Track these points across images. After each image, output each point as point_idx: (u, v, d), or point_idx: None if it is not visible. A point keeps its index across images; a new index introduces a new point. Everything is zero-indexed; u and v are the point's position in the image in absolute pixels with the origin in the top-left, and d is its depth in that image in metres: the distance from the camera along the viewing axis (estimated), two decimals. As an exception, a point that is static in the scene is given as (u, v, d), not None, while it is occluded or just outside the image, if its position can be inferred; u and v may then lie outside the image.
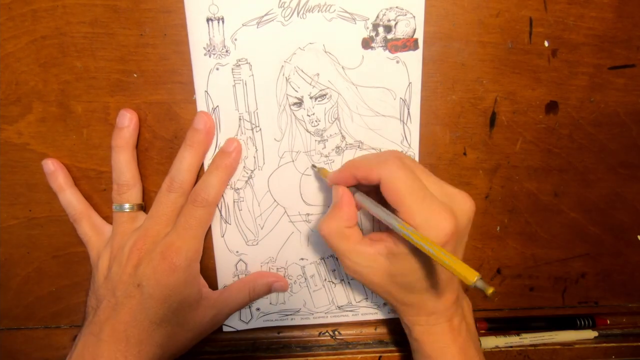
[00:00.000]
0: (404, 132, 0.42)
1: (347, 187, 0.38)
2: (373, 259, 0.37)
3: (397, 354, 0.48)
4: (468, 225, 0.37)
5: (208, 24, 0.37)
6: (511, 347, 0.48)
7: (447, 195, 0.36)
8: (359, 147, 0.42)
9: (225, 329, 0.46)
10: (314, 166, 0.42)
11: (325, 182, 0.41)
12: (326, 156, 0.42)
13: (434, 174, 0.43)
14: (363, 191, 0.38)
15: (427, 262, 0.36)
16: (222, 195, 0.42)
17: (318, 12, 0.38)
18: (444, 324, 0.39)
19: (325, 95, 0.40)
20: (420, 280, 0.37)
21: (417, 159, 0.43)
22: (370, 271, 0.37)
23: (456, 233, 0.34)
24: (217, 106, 0.40)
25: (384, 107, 0.41)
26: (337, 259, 0.45)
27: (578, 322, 0.49)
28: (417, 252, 0.35)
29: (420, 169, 0.37)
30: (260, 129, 0.41)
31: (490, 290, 0.28)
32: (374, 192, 0.38)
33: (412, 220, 0.33)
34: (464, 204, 0.36)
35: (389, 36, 0.39)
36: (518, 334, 0.49)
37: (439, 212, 0.34)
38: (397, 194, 0.34)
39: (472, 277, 0.28)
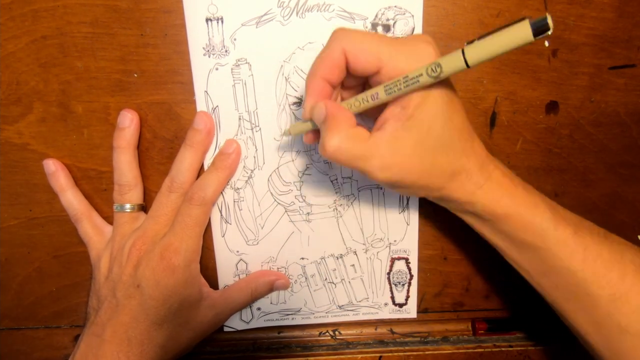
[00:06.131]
0: (404, 132, 0.42)
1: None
2: (394, 139, 0.31)
3: (397, 354, 0.48)
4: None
5: (207, 24, 0.38)
6: (511, 347, 0.48)
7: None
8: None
9: (225, 329, 0.46)
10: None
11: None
12: (326, 156, 0.42)
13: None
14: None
15: (444, 101, 0.32)
16: (223, 195, 0.42)
17: (317, 11, 0.38)
18: (493, 176, 0.35)
19: (324, 94, 0.40)
20: (449, 125, 0.32)
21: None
22: (400, 158, 0.32)
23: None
24: (217, 106, 0.40)
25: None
26: (338, 258, 0.45)
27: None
28: (429, 96, 0.31)
29: (363, 32, 0.33)
30: (260, 129, 0.41)
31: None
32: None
33: (397, 64, 0.30)
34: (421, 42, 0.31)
35: (388, 35, 0.39)
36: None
37: (413, 43, 0.30)
38: (367, 52, 0.31)
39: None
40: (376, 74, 0.31)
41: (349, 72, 0.33)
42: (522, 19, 0.23)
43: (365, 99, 0.32)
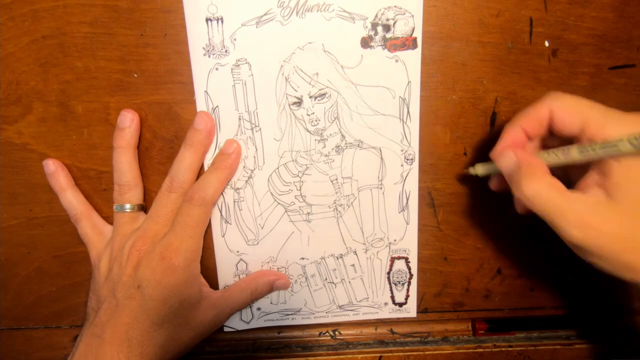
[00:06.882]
0: (404, 131, 0.42)
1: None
2: (597, 203, 0.30)
3: (397, 354, 0.48)
4: None
5: (207, 24, 0.38)
6: (511, 347, 0.48)
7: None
8: (358, 146, 0.42)
9: (225, 329, 0.46)
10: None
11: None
12: (326, 155, 0.42)
13: (435, 174, 0.43)
14: None
15: None
16: (223, 195, 0.42)
17: (317, 11, 0.38)
18: None
19: (324, 94, 0.40)
20: None
21: (417, 158, 0.43)
22: (602, 221, 0.29)
23: None
24: (217, 106, 0.40)
25: (383, 106, 0.41)
26: (338, 258, 0.45)
27: (577, 322, 0.49)
28: (636, 166, 0.29)
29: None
30: (260, 129, 0.41)
31: None
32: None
33: (603, 131, 0.29)
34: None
35: (388, 35, 0.39)
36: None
37: (627, 114, 0.29)
38: (574, 113, 0.31)
39: None
40: (579, 137, 0.31)
41: (551, 133, 0.33)
42: None
43: (556, 154, 0.31)
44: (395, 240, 0.45)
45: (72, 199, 0.41)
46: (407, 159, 0.43)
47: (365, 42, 0.39)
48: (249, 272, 0.45)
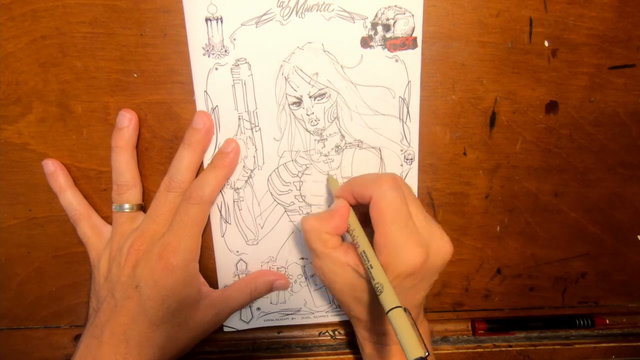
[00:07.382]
0: (404, 131, 0.42)
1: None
2: (341, 266, 0.37)
3: (397, 354, 0.48)
4: (440, 267, 0.37)
5: (207, 23, 0.38)
6: (511, 347, 0.48)
7: (429, 232, 0.36)
8: (358, 146, 0.42)
9: (225, 329, 0.46)
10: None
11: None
12: (326, 155, 0.42)
13: (434, 174, 0.43)
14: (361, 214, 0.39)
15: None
16: (222, 195, 0.42)
17: (317, 11, 0.38)
18: (392, 347, 0.39)
19: (324, 94, 0.40)
20: (378, 302, 0.37)
21: (416, 158, 0.43)
22: (334, 277, 0.38)
23: (423, 270, 0.35)
24: (217, 106, 0.40)
25: (383, 106, 0.41)
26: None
27: (577, 322, 0.49)
28: None
29: (412, 197, 0.37)
30: (259, 129, 0.41)
31: None
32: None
33: (385, 243, 0.34)
34: (442, 246, 0.36)
35: (388, 35, 0.39)
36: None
37: (413, 244, 0.34)
38: (381, 214, 0.35)
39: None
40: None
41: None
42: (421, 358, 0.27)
43: (353, 233, 0.37)
44: (395, 240, 0.45)
45: (71, 199, 0.41)
46: (407, 159, 0.43)
47: (365, 42, 0.39)
48: (248, 272, 0.45)
